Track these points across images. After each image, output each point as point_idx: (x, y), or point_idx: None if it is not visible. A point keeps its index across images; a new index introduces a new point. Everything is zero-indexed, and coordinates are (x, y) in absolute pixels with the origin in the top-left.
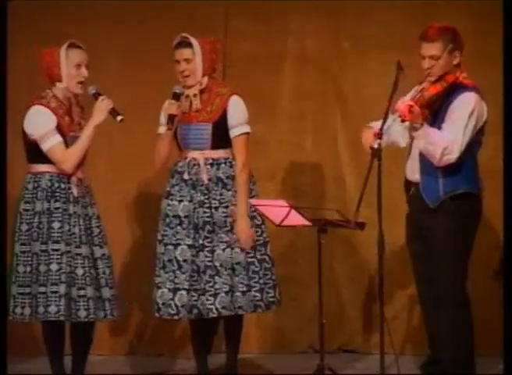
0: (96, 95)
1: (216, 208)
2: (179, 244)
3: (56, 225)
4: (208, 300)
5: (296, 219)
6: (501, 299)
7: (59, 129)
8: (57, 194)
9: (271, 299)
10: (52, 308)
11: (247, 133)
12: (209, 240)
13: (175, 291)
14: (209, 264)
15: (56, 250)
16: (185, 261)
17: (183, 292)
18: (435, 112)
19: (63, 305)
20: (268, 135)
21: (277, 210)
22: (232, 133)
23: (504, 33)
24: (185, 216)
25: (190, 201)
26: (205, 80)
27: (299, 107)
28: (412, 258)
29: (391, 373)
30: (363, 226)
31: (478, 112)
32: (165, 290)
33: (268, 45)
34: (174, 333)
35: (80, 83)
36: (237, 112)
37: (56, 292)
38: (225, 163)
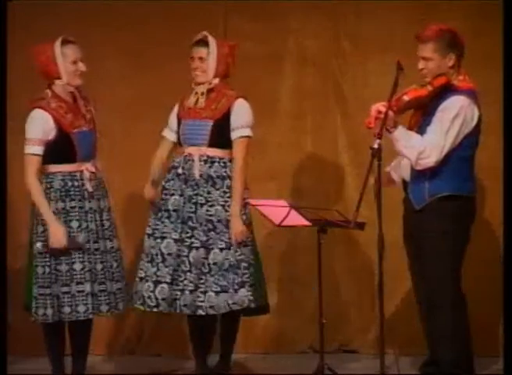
0: None
1: (202, 205)
2: (165, 238)
3: (75, 224)
4: (198, 297)
5: (296, 219)
6: (501, 299)
7: (60, 128)
8: (71, 192)
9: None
10: (81, 308)
11: (248, 137)
12: (189, 235)
13: (156, 283)
14: (184, 259)
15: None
16: (169, 254)
17: (165, 285)
18: (425, 114)
19: (90, 304)
20: (268, 135)
21: (277, 210)
22: (234, 134)
23: (504, 33)
24: (174, 210)
25: (181, 195)
26: (216, 81)
27: (299, 107)
28: (407, 257)
29: (391, 373)
30: (363, 226)
31: (465, 116)
32: (151, 283)
33: (268, 45)
34: (173, 333)
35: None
36: (241, 114)
37: (83, 291)
38: (218, 162)
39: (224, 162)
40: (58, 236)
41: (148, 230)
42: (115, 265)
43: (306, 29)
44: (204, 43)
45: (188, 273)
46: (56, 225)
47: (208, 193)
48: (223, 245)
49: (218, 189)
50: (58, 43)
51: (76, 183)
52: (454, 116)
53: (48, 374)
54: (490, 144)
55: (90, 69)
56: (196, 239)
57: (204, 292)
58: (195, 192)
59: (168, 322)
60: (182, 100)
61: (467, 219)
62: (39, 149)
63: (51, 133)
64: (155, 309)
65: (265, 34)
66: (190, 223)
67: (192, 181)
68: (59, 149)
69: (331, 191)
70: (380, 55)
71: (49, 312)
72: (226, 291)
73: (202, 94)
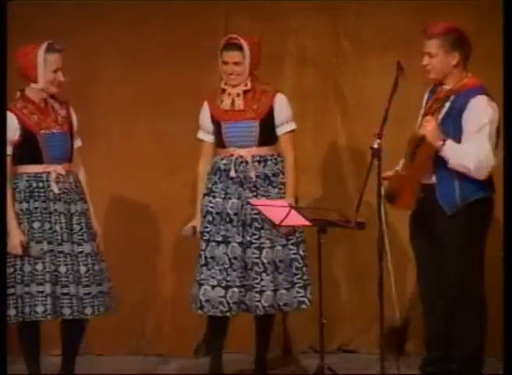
0: None
1: None
2: (229, 242)
3: (36, 225)
4: (254, 297)
5: (296, 219)
6: (501, 299)
7: (24, 128)
8: (35, 193)
9: (303, 298)
10: (39, 308)
11: (294, 130)
12: (256, 236)
13: (226, 288)
14: (256, 261)
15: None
16: (235, 258)
17: (235, 289)
18: (442, 112)
19: (50, 305)
20: None
21: (277, 210)
22: (281, 130)
23: (504, 33)
24: (234, 214)
25: (239, 198)
26: (249, 80)
27: (299, 107)
28: (420, 260)
29: (391, 373)
30: (363, 226)
31: (493, 116)
32: (208, 287)
33: (268, 45)
34: (174, 333)
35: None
36: (284, 109)
37: (42, 292)
38: (270, 160)
39: (275, 159)
40: (14, 243)
41: (206, 236)
42: (83, 269)
43: (306, 29)
44: (236, 46)
45: (264, 274)
46: (15, 232)
47: (267, 192)
48: (283, 242)
49: (275, 187)
50: (43, 48)
51: (40, 185)
52: (491, 120)
53: (47, 374)
54: None
55: (90, 68)
56: (265, 239)
57: (275, 290)
58: (254, 194)
59: (168, 322)
60: (210, 101)
61: (489, 218)
62: (8, 149)
63: (16, 134)
64: (228, 314)
65: (265, 34)
66: (256, 224)
67: (249, 183)
68: (25, 150)
69: (331, 191)
70: (380, 55)
71: (12, 312)
72: (293, 288)
73: (238, 95)
